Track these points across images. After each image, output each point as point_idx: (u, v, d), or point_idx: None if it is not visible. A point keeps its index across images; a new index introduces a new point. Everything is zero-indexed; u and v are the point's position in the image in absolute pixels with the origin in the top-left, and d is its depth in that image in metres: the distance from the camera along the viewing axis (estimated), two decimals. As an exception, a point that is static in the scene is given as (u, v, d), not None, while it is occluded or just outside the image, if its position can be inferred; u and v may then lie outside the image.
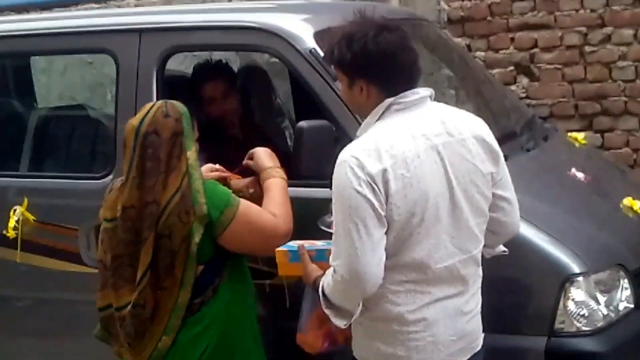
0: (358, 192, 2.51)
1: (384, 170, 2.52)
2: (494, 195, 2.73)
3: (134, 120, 3.05)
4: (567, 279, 3.18)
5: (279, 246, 2.93)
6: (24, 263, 3.94)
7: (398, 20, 3.08)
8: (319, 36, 3.52)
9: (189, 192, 2.96)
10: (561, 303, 3.17)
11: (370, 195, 2.51)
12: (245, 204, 3.07)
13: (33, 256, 3.92)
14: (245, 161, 3.31)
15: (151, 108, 3.06)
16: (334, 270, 2.59)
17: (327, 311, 2.67)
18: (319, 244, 2.89)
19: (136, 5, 6.82)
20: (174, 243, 2.96)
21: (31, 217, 3.85)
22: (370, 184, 2.51)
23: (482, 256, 2.78)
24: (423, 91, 2.68)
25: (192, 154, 3.03)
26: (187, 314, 3.03)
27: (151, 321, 3.03)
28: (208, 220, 2.97)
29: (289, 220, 3.11)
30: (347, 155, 2.57)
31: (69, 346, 4.04)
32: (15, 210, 3.84)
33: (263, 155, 3.28)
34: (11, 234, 3.84)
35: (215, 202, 3.00)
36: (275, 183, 3.19)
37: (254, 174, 3.27)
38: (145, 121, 3.01)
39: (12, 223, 3.83)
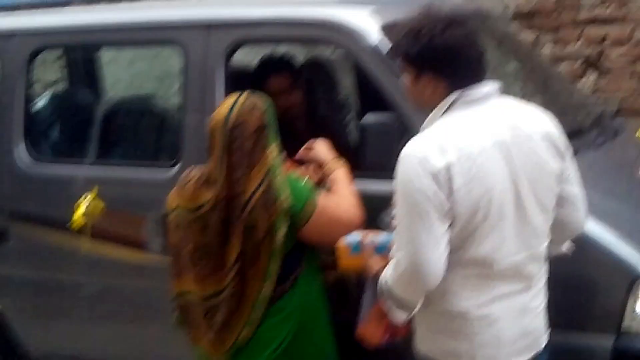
0: (422, 186, 2.51)
1: (449, 165, 2.51)
2: (560, 191, 2.71)
3: (221, 112, 3.06)
4: (635, 280, 3.12)
5: None
6: (92, 251, 4.01)
7: (465, 14, 3.06)
8: (385, 30, 3.51)
9: (273, 185, 2.99)
10: (629, 304, 3.12)
11: (434, 190, 2.50)
12: (323, 197, 3.10)
13: (101, 243, 3.99)
14: (302, 150, 3.34)
15: (237, 100, 3.08)
16: (397, 262, 2.59)
17: (388, 303, 2.68)
18: (381, 236, 2.90)
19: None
20: (258, 235, 2.99)
21: (100, 205, 3.91)
22: (435, 179, 2.50)
23: (551, 253, 2.76)
24: (490, 85, 2.67)
25: (275, 147, 3.06)
26: (268, 304, 3.07)
27: (235, 312, 3.07)
28: (292, 214, 3.00)
29: (360, 211, 3.14)
30: (411, 149, 2.57)
31: (136, 332, 4.11)
32: (84, 197, 3.91)
33: (324, 147, 3.32)
34: (80, 221, 3.91)
35: (298, 196, 3.04)
36: (342, 174, 3.24)
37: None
38: (233, 113, 3.03)
39: (80, 210, 3.89)
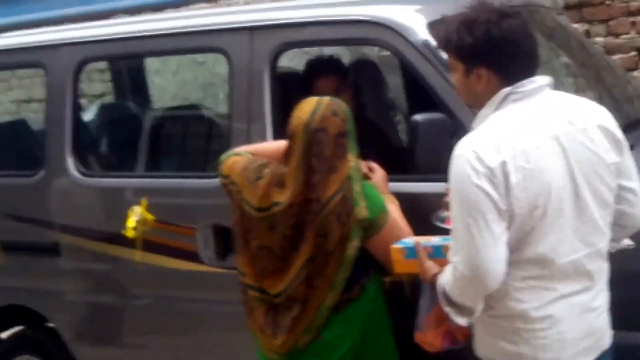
0: (477, 186, 2.45)
1: (504, 163, 2.45)
2: (618, 186, 2.63)
3: (303, 115, 3.03)
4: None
5: None
6: (143, 262, 4.01)
7: (517, 6, 2.99)
8: (431, 27, 3.45)
9: (351, 194, 2.96)
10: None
11: (489, 189, 2.44)
12: (395, 213, 3.07)
13: (152, 255, 3.99)
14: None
15: (319, 104, 3.05)
16: (454, 267, 2.53)
17: (447, 309, 2.62)
18: (435, 240, 2.85)
19: (246, 3, 6.87)
20: (329, 243, 2.96)
21: (150, 217, 3.91)
22: (490, 178, 2.45)
23: (611, 250, 2.69)
24: (541, 79, 2.60)
25: (354, 156, 3.03)
26: (332, 312, 3.03)
27: (297, 317, 3.04)
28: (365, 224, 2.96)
29: None
30: (464, 149, 2.51)
31: (187, 344, 4.09)
32: (133, 209, 3.91)
33: (381, 179, 3.25)
34: (130, 233, 3.90)
35: (372, 206, 3.01)
36: (396, 208, 3.16)
37: None
38: (316, 117, 3.00)
39: (131, 223, 3.89)
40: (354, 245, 2.95)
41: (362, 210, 2.95)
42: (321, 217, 2.93)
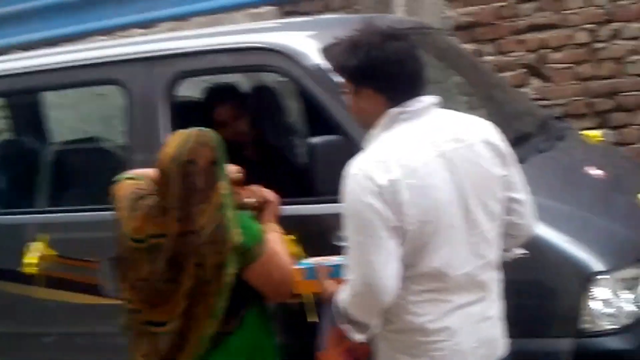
0: (369, 204, 2.49)
1: (393, 181, 2.50)
2: (507, 198, 2.71)
3: (171, 149, 2.99)
4: (589, 278, 3.15)
5: (288, 293, 2.94)
6: (44, 298, 3.95)
7: (406, 29, 3.07)
8: (325, 52, 3.52)
9: (224, 221, 2.95)
10: (585, 303, 3.14)
11: (381, 207, 2.49)
12: (273, 241, 3.08)
13: (53, 291, 3.93)
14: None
15: (187, 136, 3.02)
16: (350, 285, 2.58)
17: (344, 326, 2.66)
18: (335, 259, 2.89)
19: (142, 34, 6.86)
20: (207, 272, 2.94)
21: (51, 252, 3.86)
22: (381, 195, 2.49)
23: (503, 260, 2.76)
24: (428, 99, 2.67)
25: (225, 183, 3.02)
26: (212, 346, 3.02)
27: (178, 347, 3.01)
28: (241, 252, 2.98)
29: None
30: (355, 168, 2.56)
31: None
32: (32, 245, 3.85)
33: (273, 210, 3.27)
34: (31, 269, 3.84)
35: (248, 234, 3.00)
36: (278, 237, 3.18)
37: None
38: (185, 150, 2.97)
39: (31, 259, 3.83)
40: (230, 272, 2.94)
41: (235, 237, 2.95)
42: (198, 247, 2.93)
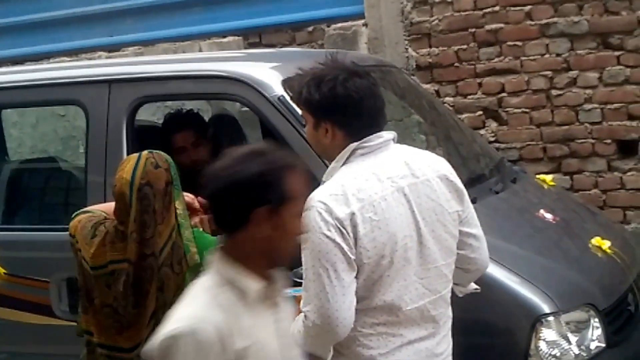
0: (327, 236, 2.51)
1: (352, 214, 2.52)
2: (461, 232, 2.74)
3: (125, 173, 2.98)
4: (537, 319, 3.19)
5: None
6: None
7: (368, 66, 3.11)
8: (287, 83, 3.56)
9: (181, 241, 2.96)
10: (533, 343, 3.18)
11: (339, 240, 2.51)
12: None
13: (4, 309, 3.89)
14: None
15: (139, 160, 3.01)
16: (305, 316, 2.58)
17: (298, 358, 2.66)
18: (288, 291, 2.88)
19: (107, 58, 6.85)
20: (167, 295, 2.93)
21: (1, 270, 3.82)
22: (339, 228, 2.51)
23: (454, 297, 2.78)
24: (386, 134, 2.70)
25: (180, 203, 3.02)
26: None
27: None
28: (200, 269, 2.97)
29: None
30: (314, 201, 2.57)
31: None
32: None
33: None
34: (-19, 287, 3.81)
35: (204, 250, 2.98)
36: None
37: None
38: (137, 173, 2.97)
39: (-18, 276, 3.81)
40: None
41: (193, 256, 2.96)
42: (157, 270, 2.93)
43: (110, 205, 3.26)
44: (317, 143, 2.76)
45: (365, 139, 2.65)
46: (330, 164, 2.72)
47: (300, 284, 2.80)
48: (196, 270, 2.93)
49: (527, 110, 5.94)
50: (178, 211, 2.99)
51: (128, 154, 3.68)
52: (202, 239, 3.04)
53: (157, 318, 2.93)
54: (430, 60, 6.18)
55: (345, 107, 2.63)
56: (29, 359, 3.98)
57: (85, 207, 3.64)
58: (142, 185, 2.95)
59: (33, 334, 3.90)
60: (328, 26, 6.42)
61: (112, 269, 2.99)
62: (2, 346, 4.03)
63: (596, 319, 3.35)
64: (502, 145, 5.97)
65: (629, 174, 5.71)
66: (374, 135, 2.66)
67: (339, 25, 6.39)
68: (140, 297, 2.95)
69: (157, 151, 3.09)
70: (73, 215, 3.19)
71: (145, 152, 3.06)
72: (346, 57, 2.79)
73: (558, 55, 5.81)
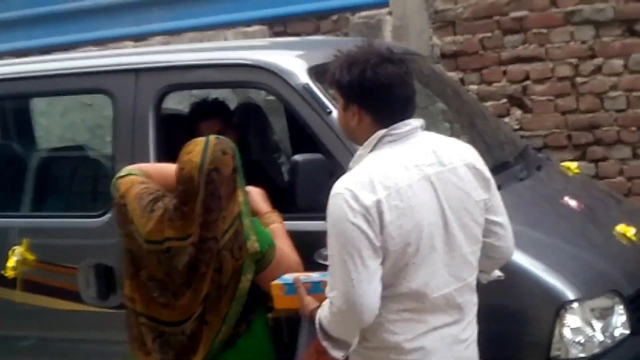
0: (353, 223, 2.53)
1: (378, 202, 2.54)
2: (486, 220, 2.76)
3: (194, 157, 3.04)
4: (562, 306, 3.20)
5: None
6: (24, 302, 3.96)
7: (401, 54, 3.12)
8: (313, 71, 3.57)
9: (242, 228, 3.00)
10: (557, 330, 3.18)
11: (365, 227, 2.53)
12: (281, 238, 3.14)
13: (33, 295, 3.94)
14: None
15: (207, 144, 3.07)
16: (331, 302, 2.60)
17: (324, 343, 2.68)
18: (315, 276, 2.92)
19: (134, 46, 6.90)
20: (224, 277, 2.99)
21: (31, 257, 3.87)
22: (365, 216, 2.53)
23: (478, 284, 2.80)
24: (414, 122, 2.72)
25: (243, 190, 3.08)
26: (222, 347, 3.06)
27: (188, 351, 3.05)
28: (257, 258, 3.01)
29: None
30: (341, 188, 2.59)
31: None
32: (14, 250, 3.87)
33: (259, 198, 3.32)
34: (10, 273, 3.86)
35: (262, 240, 3.05)
36: (281, 228, 3.24)
37: None
38: (207, 158, 3.03)
39: (11, 263, 3.85)
40: (247, 278, 2.99)
41: (253, 244, 3.01)
42: (218, 254, 2.98)
43: (153, 168, 3.28)
44: (345, 125, 2.78)
45: (393, 126, 2.67)
46: (357, 148, 2.74)
47: (324, 266, 2.85)
48: (254, 257, 2.98)
49: (552, 97, 5.93)
50: (240, 198, 3.04)
51: (155, 142, 3.75)
52: (259, 229, 3.09)
53: (209, 299, 2.98)
54: (454, 48, 6.17)
55: (373, 92, 2.65)
56: (58, 344, 4.03)
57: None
58: (209, 171, 3.02)
59: (62, 320, 3.95)
60: (352, 15, 6.43)
61: (167, 246, 3.04)
62: (33, 331, 4.09)
63: (620, 306, 3.34)
64: (527, 133, 5.96)
65: (654, 161, 5.70)
66: (402, 122, 2.68)
67: (364, 13, 6.39)
68: (193, 277, 3.00)
69: (224, 138, 3.15)
70: (118, 176, 3.22)
71: (212, 137, 3.13)
72: (382, 44, 2.79)
73: (583, 42, 5.79)
